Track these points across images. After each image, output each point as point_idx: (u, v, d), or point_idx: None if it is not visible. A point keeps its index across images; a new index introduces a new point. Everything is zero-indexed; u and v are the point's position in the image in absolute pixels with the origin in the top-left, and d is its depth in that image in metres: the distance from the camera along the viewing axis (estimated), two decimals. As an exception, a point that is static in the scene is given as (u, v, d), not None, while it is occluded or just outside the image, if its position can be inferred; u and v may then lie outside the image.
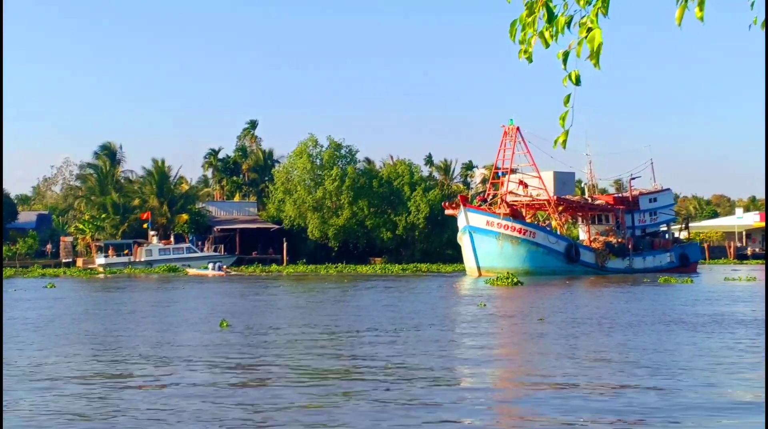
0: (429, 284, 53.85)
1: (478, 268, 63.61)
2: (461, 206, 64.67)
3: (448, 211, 69.76)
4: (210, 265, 75.24)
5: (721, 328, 25.56)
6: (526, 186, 68.19)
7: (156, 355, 20.10)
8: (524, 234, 64.02)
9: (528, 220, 68.86)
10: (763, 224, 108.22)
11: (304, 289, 50.63)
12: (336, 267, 79.31)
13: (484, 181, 69.41)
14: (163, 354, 20.41)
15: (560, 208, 68.41)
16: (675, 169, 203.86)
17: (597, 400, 14.45)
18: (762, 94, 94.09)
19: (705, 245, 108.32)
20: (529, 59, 6.05)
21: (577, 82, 5.78)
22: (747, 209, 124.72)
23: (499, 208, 64.73)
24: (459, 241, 67.18)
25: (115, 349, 21.50)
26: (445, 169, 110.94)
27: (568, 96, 5.85)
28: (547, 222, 71.38)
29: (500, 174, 68.24)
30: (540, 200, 67.87)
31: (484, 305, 35.57)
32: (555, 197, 66.85)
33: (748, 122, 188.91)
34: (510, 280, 51.03)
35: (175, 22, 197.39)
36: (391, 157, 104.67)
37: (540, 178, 67.80)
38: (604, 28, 5.69)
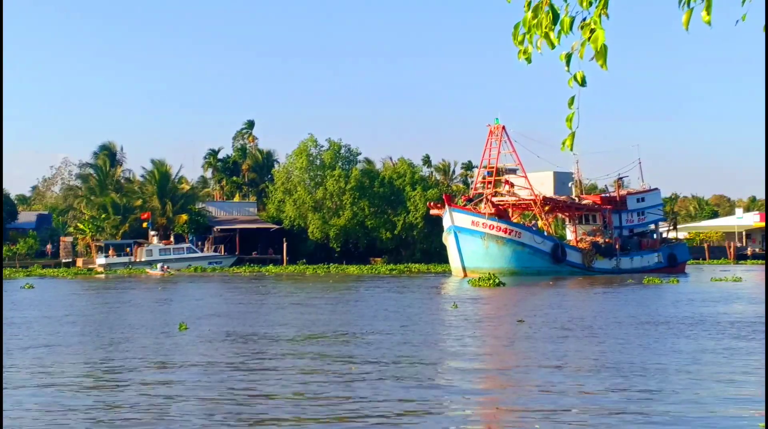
0: (413, 285, 52.36)
1: (464, 268, 61.98)
2: (446, 206, 63.00)
3: (433, 211, 68.28)
4: (158, 266, 75.75)
5: (697, 331, 24.44)
6: (512, 185, 66.52)
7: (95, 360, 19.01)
8: (510, 234, 62.33)
9: (515, 220, 67.14)
10: (763, 224, 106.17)
11: (285, 290, 49.27)
12: (328, 267, 78.00)
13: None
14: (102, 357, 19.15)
15: (546, 208, 66.62)
16: (675, 169, 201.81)
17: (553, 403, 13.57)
18: (762, 93, 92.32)
19: (705, 245, 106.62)
20: (528, 60, 5.98)
21: (583, 83, 5.72)
22: (747, 209, 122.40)
23: (485, 207, 63.03)
24: (444, 241, 65.57)
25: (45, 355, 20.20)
26: (445, 169, 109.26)
27: (573, 98, 5.80)
28: (533, 222, 69.58)
29: (487, 173, 66.53)
30: (526, 200, 66.09)
31: (456, 306, 34.41)
32: (541, 197, 65.06)
33: (749, 122, 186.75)
34: (492, 280, 49.49)
35: (174, 22, 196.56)
36: (391, 159, 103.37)
37: (526, 177, 66.17)
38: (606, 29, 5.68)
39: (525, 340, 22.51)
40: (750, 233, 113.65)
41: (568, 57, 5.70)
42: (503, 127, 65.30)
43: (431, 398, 14.38)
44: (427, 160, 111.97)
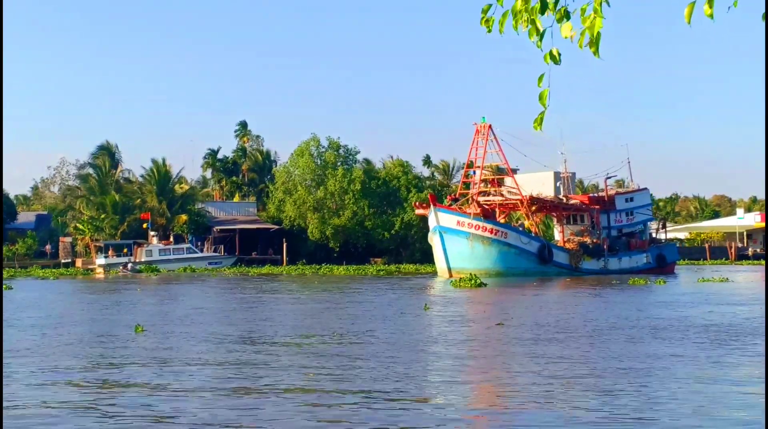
0: (395, 286, 50.46)
1: (449, 268, 59.88)
2: (431, 206, 60.87)
3: (418, 211, 66.30)
4: (120, 267, 77.20)
5: (671, 335, 22.74)
6: (498, 185, 64.44)
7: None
8: (495, 234, 60.15)
9: (502, 220, 64.93)
10: (764, 225, 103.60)
11: (262, 292, 47.44)
12: (319, 268, 76.22)
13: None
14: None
15: (533, 208, 64.36)
16: (676, 169, 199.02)
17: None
18: (762, 93, 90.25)
19: (706, 246, 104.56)
20: (489, 30, 5.96)
21: (556, 60, 5.72)
22: (748, 210, 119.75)
23: (470, 207, 60.91)
24: (430, 241, 63.47)
25: None
26: (444, 169, 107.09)
27: (542, 76, 5.82)
28: (520, 222, 67.39)
29: (473, 172, 64.51)
30: (513, 200, 63.94)
31: (428, 308, 32.64)
32: (528, 197, 62.84)
33: (750, 122, 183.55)
34: (473, 281, 47.45)
35: (174, 22, 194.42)
36: (392, 157, 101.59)
37: (513, 176, 64.14)
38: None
39: (492, 344, 20.87)
40: (751, 233, 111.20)
41: (541, 35, 5.66)
42: (490, 126, 63.25)
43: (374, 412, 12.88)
44: (427, 160, 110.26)
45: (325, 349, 19.75)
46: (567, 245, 63.84)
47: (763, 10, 5.85)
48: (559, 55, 5.68)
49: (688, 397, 13.83)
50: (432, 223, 61.54)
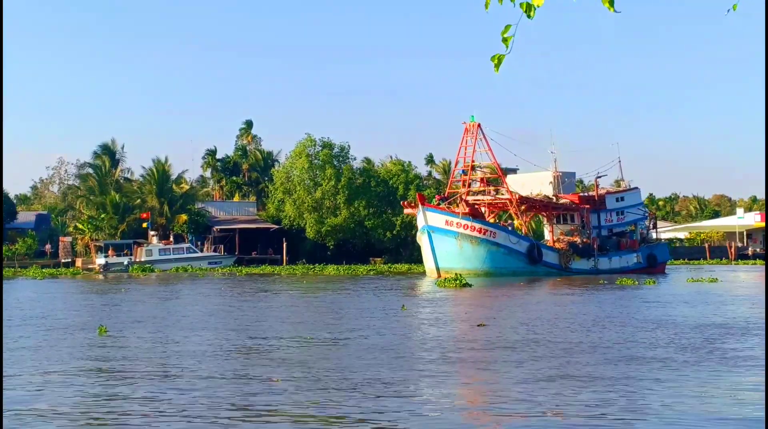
0: (380, 286, 49.37)
1: (437, 268, 58.64)
2: (420, 205, 59.58)
3: (407, 211, 65.05)
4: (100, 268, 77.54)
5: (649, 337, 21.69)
6: (488, 184, 63.10)
7: None
8: (484, 234, 58.84)
9: (491, 220, 63.61)
10: (763, 224, 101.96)
11: (244, 293, 46.46)
12: (312, 268, 75.11)
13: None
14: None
15: (523, 208, 62.98)
16: (676, 168, 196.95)
17: None
18: (763, 93, 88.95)
19: (706, 245, 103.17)
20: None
21: (530, 15, 5.48)
22: (748, 209, 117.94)
23: (459, 207, 59.60)
24: (418, 241, 62.21)
25: None
26: (444, 168, 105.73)
27: (509, 26, 5.60)
28: (509, 221, 65.97)
29: (461, 172, 63.21)
30: (502, 199, 62.59)
31: (405, 309, 31.71)
32: (517, 196, 61.46)
33: (749, 122, 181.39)
34: (458, 281, 46.24)
35: (174, 22, 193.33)
36: (391, 157, 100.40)
37: (502, 176, 62.78)
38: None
39: (467, 347, 19.83)
40: (751, 233, 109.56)
41: None
42: (479, 125, 61.95)
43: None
44: (430, 159, 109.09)
45: (290, 355, 18.83)
46: (557, 245, 62.56)
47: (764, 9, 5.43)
48: (534, 9, 5.47)
49: (668, 401, 13.14)
50: (420, 222, 60.35)
